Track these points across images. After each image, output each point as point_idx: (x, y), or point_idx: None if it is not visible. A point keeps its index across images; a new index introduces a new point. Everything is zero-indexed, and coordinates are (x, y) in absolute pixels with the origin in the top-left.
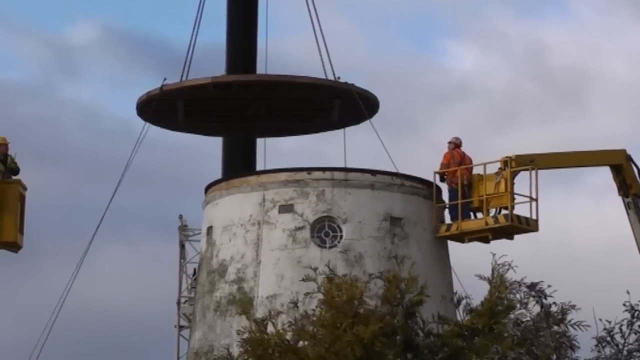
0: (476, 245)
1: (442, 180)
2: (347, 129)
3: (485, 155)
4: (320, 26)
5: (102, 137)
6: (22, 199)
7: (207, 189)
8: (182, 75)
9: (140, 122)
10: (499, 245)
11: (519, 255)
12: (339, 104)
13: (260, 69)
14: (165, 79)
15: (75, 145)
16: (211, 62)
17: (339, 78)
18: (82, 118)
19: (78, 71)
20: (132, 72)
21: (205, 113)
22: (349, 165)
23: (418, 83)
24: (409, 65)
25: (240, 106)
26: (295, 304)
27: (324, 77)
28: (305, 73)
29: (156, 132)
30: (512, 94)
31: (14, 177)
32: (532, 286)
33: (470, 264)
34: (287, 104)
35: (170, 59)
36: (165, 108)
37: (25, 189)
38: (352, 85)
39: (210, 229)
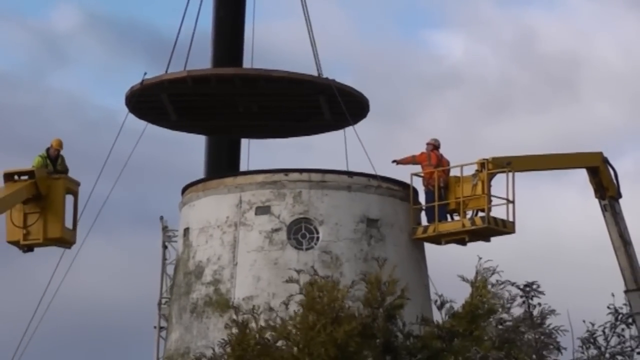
0: (468, 246)
1: (395, 163)
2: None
3: (477, 145)
4: (310, 25)
5: (87, 127)
6: (75, 195)
7: (184, 190)
8: (167, 68)
9: (124, 111)
10: (484, 244)
11: (504, 251)
12: (326, 101)
13: (247, 59)
14: (145, 73)
15: (60, 134)
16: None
17: (320, 74)
18: (67, 107)
19: (63, 58)
20: (118, 59)
21: (196, 110)
22: (345, 163)
23: (408, 72)
24: (398, 53)
25: (230, 104)
26: (286, 304)
27: (309, 71)
28: (295, 63)
29: (143, 123)
30: (502, 82)
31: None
32: (527, 286)
33: (450, 265)
34: (277, 102)
35: (158, 45)
36: (154, 104)
37: (78, 184)
38: (333, 80)
39: (187, 231)
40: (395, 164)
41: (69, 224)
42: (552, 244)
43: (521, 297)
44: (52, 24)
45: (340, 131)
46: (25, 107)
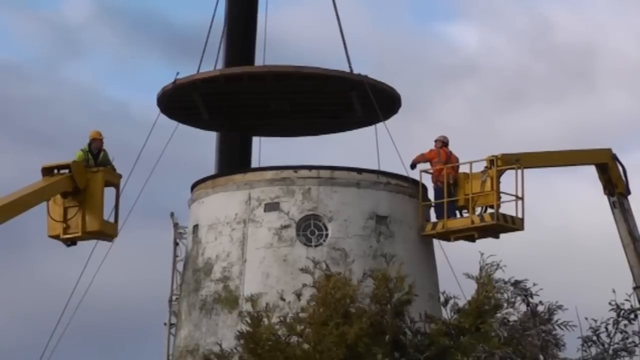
0: (481, 242)
1: (412, 167)
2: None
3: (492, 136)
4: (340, 24)
5: (99, 119)
6: (116, 187)
7: (193, 187)
8: (199, 67)
9: (137, 103)
10: (494, 240)
11: (517, 247)
12: (357, 97)
13: (260, 46)
14: (178, 73)
15: (72, 126)
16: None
17: (352, 70)
18: (79, 99)
19: (75, 50)
20: (131, 51)
21: (227, 109)
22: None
23: (423, 63)
24: (413, 45)
25: (261, 102)
26: (298, 295)
27: (327, 60)
28: (308, 51)
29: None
30: (518, 73)
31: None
32: (515, 284)
33: (468, 262)
34: (308, 99)
35: (171, 36)
36: (186, 104)
37: (119, 177)
38: (365, 77)
39: (196, 227)
40: (412, 168)
41: (110, 217)
42: (566, 238)
43: (519, 295)
44: (64, 15)
45: (366, 127)
46: (37, 99)
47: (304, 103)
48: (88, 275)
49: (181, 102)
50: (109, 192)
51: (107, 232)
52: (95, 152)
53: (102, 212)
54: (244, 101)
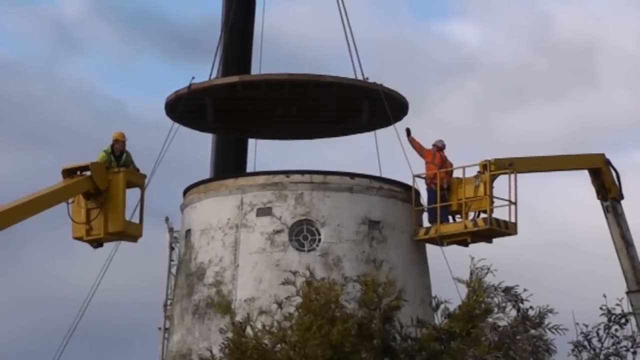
0: (478, 246)
1: (407, 132)
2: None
3: (494, 133)
4: (351, 30)
5: (96, 117)
6: (141, 187)
7: (186, 192)
8: (210, 73)
9: (134, 102)
10: (487, 244)
11: (514, 249)
12: (368, 104)
13: (257, 45)
14: (193, 78)
15: (70, 124)
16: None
17: (367, 78)
18: (76, 96)
19: (72, 47)
20: (128, 48)
21: (232, 112)
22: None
23: (423, 60)
24: (413, 42)
25: (269, 106)
26: (279, 304)
27: (325, 61)
28: (306, 49)
29: (154, 115)
30: (519, 70)
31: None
32: (506, 290)
33: (465, 266)
34: (316, 105)
35: (168, 34)
36: (193, 107)
37: (143, 177)
38: (381, 85)
39: (188, 232)
40: (407, 133)
41: (134, 218)
42: (564, 240)
43: (509, 301)
44: (61, 12)
45: (368, 132)
46: (34, 97)
47: (310, 108)
48: (88, 280)
49: (188, 105)
50: (134, 193)
51: (130, 233)
52: (118, 154)
53: (123, 212)
54: (250, 105)
